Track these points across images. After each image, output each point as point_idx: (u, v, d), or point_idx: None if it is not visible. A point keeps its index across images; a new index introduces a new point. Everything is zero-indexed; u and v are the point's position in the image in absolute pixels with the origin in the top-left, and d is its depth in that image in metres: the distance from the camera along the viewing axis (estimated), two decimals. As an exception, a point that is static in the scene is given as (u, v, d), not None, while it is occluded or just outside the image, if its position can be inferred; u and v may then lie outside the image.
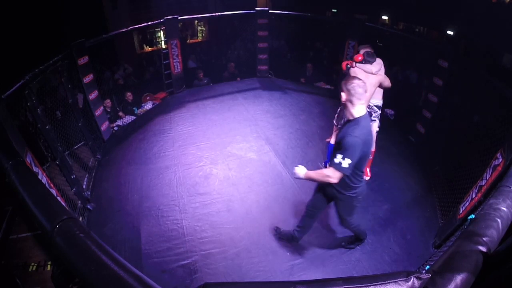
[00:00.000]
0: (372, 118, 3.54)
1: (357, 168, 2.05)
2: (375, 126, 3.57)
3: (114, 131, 4.82)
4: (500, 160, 2.34)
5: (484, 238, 1.12)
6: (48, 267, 2.97)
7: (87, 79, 4.12)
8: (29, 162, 2.25)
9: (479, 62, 4.32)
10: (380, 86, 3.29)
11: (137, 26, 5.22)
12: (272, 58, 6.41)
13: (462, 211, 2.67)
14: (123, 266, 1.00)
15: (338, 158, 1.95)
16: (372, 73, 3.17)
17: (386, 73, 3.59)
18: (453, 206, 2.99)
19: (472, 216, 2.24)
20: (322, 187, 2.32)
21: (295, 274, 2.62)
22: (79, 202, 3.27)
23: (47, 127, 3.07)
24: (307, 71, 6.45)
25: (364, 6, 8.86)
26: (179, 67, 5.68)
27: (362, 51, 3.29)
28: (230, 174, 3.74)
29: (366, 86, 2.03)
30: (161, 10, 7.50)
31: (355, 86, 1.97)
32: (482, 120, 3.49)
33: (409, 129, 4.63)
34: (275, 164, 3.91)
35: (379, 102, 3.55)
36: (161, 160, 4.01)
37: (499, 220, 1.25)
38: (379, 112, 3.61)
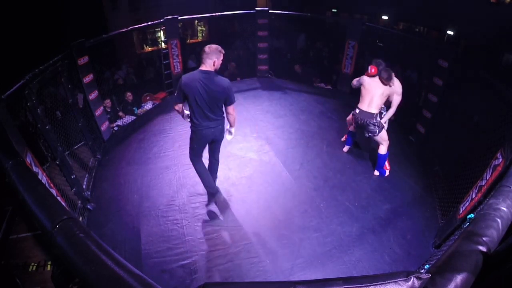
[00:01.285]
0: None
1: (190, 107, 2.71)
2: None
3: (114, 131, 4.82)
4: (500, 160, 2.34)
5: (484, 238, 1.12)
6: (48, 267, 2.97)
7: (87, 79, 4.12)
8: (29, 162, 2.25)
9: (479, 62, 4.32)
10: (389, 98, 3.49)
11: (137, 26, 5.22)
12: (272, 58, 6.41)
13: (462, 211, 2.67)
14: (123, 266, 1.00)
15: None
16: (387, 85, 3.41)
17: None
18: (453, 206, 2.99)
19: (472, 216, 2.25)
20: None
21: (295, 274, 2.62)
22: (79, 202, 3.27)
23: (47, 127, 3.07)
24: (298, 73, 6.47)
25: (364, 6, 8.86)
26: (179, 67, 5.68)
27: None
28: (230, 174, 3.74)
29: (209, 53, 2.55)
30: (161, 10, 7.51)
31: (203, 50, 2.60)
32: (482, 120, 3.49)
33: (409, 129, 4.63)
34: (275, 164, 3.91)
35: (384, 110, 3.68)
36: (161, 160, 4.01)
37: (499, 220, 1.25)
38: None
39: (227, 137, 3.01)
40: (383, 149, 3.61)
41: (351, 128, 3.97)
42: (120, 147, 4.40)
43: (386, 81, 3.37)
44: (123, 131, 4.83)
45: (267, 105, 5.33)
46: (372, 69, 3.45)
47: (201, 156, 3.09)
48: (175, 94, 2.69)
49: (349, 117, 3.88)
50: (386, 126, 3.68)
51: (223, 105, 2.77)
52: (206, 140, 2.90)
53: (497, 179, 2.24)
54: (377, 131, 3.46)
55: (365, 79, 3.47)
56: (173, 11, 5.62)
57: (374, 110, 3.41)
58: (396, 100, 3.51)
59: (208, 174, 3.22)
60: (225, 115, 2.86)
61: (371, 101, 3.41)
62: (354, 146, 4.22)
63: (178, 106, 2.76)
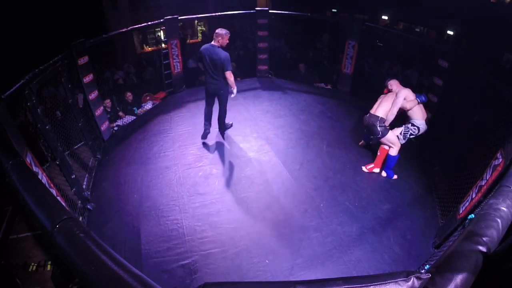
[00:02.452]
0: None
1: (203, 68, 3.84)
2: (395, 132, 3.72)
3: (114, 131, 4.82)
4: (500, 160, 2.34)
5: (484, 238, 1.12)
6: (48, 267, 2.97)
7: (87, 79, 4.12)
8: (29, 162, 2.25)
9: (479, 62, 4.32)
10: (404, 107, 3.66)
11: (137, 26, 5.22)
12: (272, 58, 6.41)
13: (462, 211, 2.67)
14: (123, 266, 1.00)
15: None
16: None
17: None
18: (453, 206, 2.99)
19: (472, 216, 2.25)
20: None
21: (295, 274, 2.62)
22: (79, 202, 3.27)
23: (47, 127, 3.07)
24: (300, 72, 6.46)
25: (364, 6, 8.85)
26: (179, 67, 5.68)
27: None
28: (230, 174, 3.74)
29: (217, 33, 3.64)
30: (161, 10, 7.50)
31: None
32: (482, 120, 3.49)
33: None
34: (275, 164, 3.91)
35: (414, 121, 3.68)
36: (161, 160, 4.01)
37: (499, 220, 1.25)
38: (410, 128, 3.69)
39: (232, 95, 3.92)
40: (392, 151, 3.66)
41: None
42: (120, 147, 4.40)
43: (389, 88, 3.76)
44: (123, 131, 4.83)
45: (267, 105, 5.33)
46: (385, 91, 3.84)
47: (209, 105, 4.08)
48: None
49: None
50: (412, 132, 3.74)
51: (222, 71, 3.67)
52: (209, 92, 3.95)
53: (497, 179, 2.24)
54: (380, 133, 3.57)
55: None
56: (173, 11, 5.62)
57: (379, 113, 3.61)
58: (396, 101, 3.57)
59: (207, 117, 4.15)
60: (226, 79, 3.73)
61: (378, 106, 3.67)
62: (357, 146, 4.23)
63: (200, 65, 4.19)
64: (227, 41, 3.69)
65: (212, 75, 3.74)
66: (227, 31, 3.66)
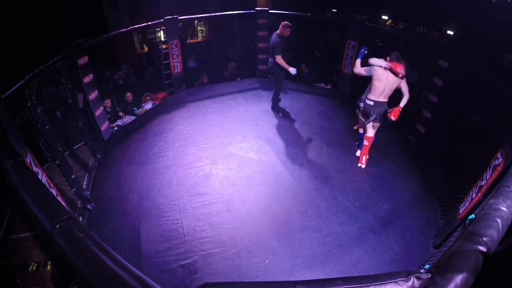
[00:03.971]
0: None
1: None
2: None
3: (114, 131, 4.82)
4: (500, 160, 2.34)
5: (484, 238, 1.12)
6: (48, 267, 2.97)
7: (87, 79, 4.12)
8: (29, 162, 2.25)
9: (479, 62, 4.32)
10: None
11: (137, 26, 5.22)
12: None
13: (462, 211, 2.67)
14: (123, 266, 1.00)
15: None
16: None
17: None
18: (453, 206, 2.99)
19: (472, 216, 2.24)
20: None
21: (295, 274, 2.62)
22: (79, 202, 3.28)
23: (47, 127, 3.07)
24: (302, 72, 6.46)
25: (364, 6, 8.85)
26: (179, 67, 5.68)
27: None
28: (230, 174, 3.74)
29: (281, 24, 4.38)
30: (161, 10, 7.51)
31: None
32: (482, 120, 3.49)
33: (409, 129, 4.63)
34: (275, 164, 3.91)
35: (365, 97, 3.60)
36: (161, 160, 4.01)
37: (499, 220, 1.25)
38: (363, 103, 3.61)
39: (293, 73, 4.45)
40: (372, 132, 3.74)
41: (361, 130, 3.97)
42: (120, 147, 4.40)
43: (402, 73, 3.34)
44: (123, 131, 4.83)
45: (267, 105, 5.32)
46: (398, 69, 3.32)
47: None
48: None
49: (356, 126, 3.92)
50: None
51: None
52: (269, 71, 5.18)
53: (497, 179, 2.24)
54: (383, 120, 3.59)
55: (378, 71, 3.40)
56: (173, 11, 5.62)
57: (384, 99, 3.51)
58: (406, 86, 3.43)
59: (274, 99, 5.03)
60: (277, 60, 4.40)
61: (383, 91, 3.45)
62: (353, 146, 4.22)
63: None
64: (287, 33, 4.34)
65: (270, 55, 4.59)
66: (289, 24, 4.33)
